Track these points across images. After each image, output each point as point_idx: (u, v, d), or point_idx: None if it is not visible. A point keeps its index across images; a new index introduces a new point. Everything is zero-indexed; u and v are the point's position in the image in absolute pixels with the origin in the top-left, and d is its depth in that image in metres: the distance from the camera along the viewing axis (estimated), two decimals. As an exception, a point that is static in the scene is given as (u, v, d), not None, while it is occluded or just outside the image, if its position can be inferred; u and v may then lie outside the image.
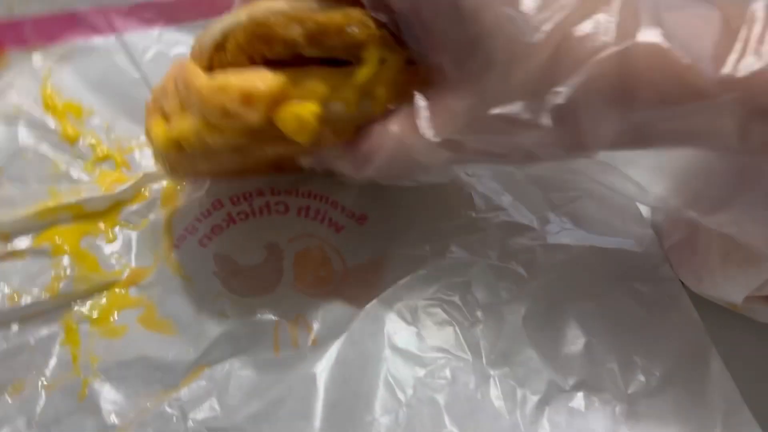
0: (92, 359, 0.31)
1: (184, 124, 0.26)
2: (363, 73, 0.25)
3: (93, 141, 0.37)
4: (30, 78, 0.38)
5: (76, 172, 0.36)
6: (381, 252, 0.35)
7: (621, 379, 0.31)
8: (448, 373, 0.31)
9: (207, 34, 0.27)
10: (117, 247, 0.34)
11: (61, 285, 0.32)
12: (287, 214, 0.35)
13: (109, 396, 0.30)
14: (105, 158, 0.37)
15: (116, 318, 0.32)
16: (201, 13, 0.40)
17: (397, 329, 0.32)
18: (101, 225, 0.34)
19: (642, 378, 0.31)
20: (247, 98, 0.24)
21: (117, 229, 0.35)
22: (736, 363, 0.31)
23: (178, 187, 0.36)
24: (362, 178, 0.28)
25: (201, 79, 0.25)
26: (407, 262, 0.34)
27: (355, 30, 0.25)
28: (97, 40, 0.39)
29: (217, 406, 0.30)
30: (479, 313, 0.32)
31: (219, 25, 0.26)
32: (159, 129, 0.27)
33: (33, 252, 0.32)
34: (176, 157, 0.28)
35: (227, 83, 0.24)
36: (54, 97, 0.37)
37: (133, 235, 0.35)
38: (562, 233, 0.35)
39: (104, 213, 0.35)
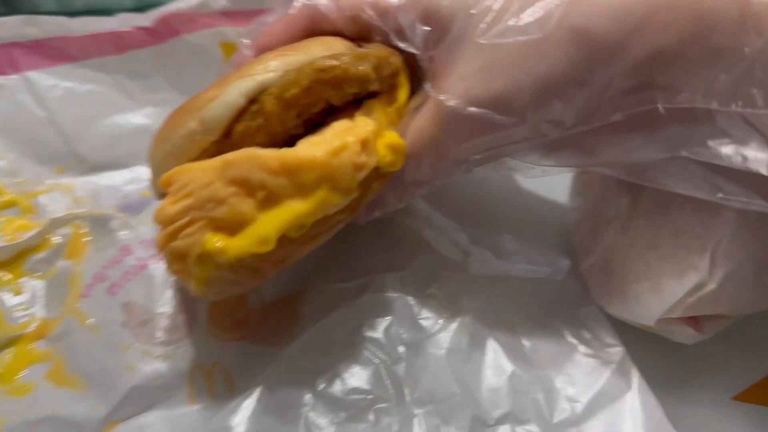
0: (-3, 421, 0.29)
1: (296, 207, 0.24)
2: (403, 94, 0.28)
3: (-3, 186, 0.35)
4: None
5: (-23, 221, 0.34)
6: (302, 286, 0.34)
7: (546, 409, 0.31)
8: (371, 415, 0.30)
9: (214, 107, 0.26)
10: (23, 298, 0.33)
11: (-38, 344, 0.30)
12: (202, 256, 0.34)
13: (15, 459, 0.28)
14: (10, 204, 0.35)
15: (23, 375, 0.31)
16: (111, 49, 0.39)
17: (317, 371, 0.31)
18: (6, 276, 0.33)
19: (567, 406, 0.31)
20: (365, 144, 0.25)
21: (23, 279, 0.33)
22: (655, 383, 0.31)
23: (84, 233, 0.34)
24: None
25: (306, 152, 0.24)
26: (328, 299, 0.33)
27: (395, 59, 0.28)
28: (-1, 80, 0.37)
29: (130, 464, 0.29)
30: (402, 350, 0.32)
31: (231, 93, 0.26)
32: (224, 242, 0.24)
33: (-70, 311, 0.31)
34: (260, 261, 0.25)
35: (345, 140, 0.24)
36: (-49, 142, 0.36)
37: (40, 284, 0.33)
38: (484, 265, 0.35)
39: (9, 263, 0.33)
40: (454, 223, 0.37)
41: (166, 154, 0.28)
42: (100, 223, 0.35)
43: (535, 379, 0.31)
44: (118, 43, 0.39)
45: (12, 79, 0.37)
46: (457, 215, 0.38)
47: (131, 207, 0.37)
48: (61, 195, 0.37)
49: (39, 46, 0.37)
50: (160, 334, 0.32)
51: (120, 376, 0.30)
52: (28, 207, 0.36)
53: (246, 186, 0.24)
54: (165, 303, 0.33)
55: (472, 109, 0.26)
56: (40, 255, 0.34)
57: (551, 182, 0.39)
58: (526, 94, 0.25)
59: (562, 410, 0.31)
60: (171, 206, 0.25)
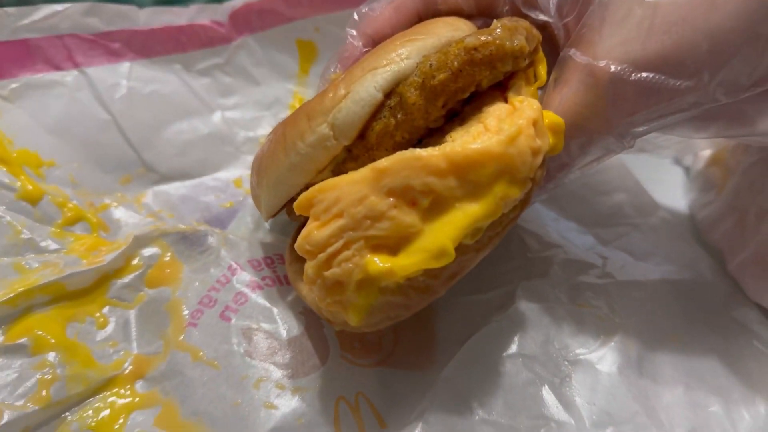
0: (97, 483, 0.23)
1: (471, 210, 0.21)
2: (544, 70, 0.25)
3: (59, 198, 0.29)
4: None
5: (42, 239, 0.28)
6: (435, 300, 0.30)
7: (727, 421, 0.28)
8: (551, 443, 0.26)
9: (346, 107, 0.23)
10: (111, 331, 0.27)
11: (52, 390, 0.24)
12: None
13: None
14: (76, 219, 0.29)
15: (126, 423, 0.25)
16: (176, 46, 0.34)
17: (480, 396, 0.27)
18: (88, 306, 0.27)
19: (747, 416, 0.28)
20: (537, 126, 0.22)
21: (107, 309, 0.27)
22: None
23: (173, 252, 0.29)
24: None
25: (477, 145, 0.21)
26: (466, 313, 0.30)
27: (536, 31, 0.25)
28: (55, 75, 0.31)
29: None
30: (567, 367, 0.28)
31: (365, 88, 0.23)
32: (390, 261, 0.21)
33: (7, 351, 0.24)
34: (432, 278, 0.23)
35: (518, 124, 0.21)
36: (5, 145, 0.29)
37: (130, 314, 0.27)
38: (626, 268, 0.32)
39: (89, 290, 0.27)
40: (575, 223, 0.35)
41: (290, 167, 0.24)
42: (191, 241, 0.29)
43: (709, 390, 0.29)
44: (186, 39, 0.34)
45: (70, 75, 0.31)
46: (574, 214, 0.35)
47: (217, 220, 0.33)
48: (132, 208, 0.32)
49: (101, 39, 0.32)
50: (292, 363, 0.27)
51: (254, 419, 0.25)
52: (98, 223, 0.30)
53: (407, 195, 0.21)
54: (291, 327, 0.28)
55: (642, 73, 0.23)
56: (124, 280, 0.28)
57: (652, 174, 0.37)
58: (701, 52, 0.22)
59: (745, 421, 0.28)
60: (320, 230, 0.21)
